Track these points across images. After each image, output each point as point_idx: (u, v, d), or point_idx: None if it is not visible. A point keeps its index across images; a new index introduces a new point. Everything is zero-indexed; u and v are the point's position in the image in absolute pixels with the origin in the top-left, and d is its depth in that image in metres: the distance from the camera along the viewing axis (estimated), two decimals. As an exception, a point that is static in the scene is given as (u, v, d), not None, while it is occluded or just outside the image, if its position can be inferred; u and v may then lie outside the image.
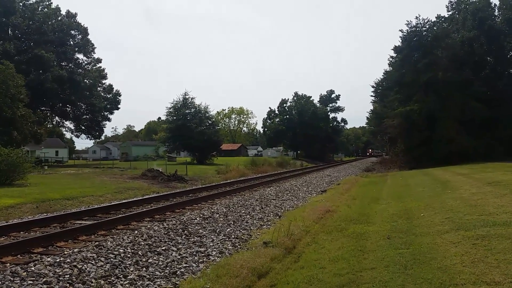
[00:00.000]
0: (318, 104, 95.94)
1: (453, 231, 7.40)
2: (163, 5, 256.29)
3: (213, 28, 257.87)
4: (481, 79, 39.74)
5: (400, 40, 42.50)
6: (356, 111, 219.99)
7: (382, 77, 60.58)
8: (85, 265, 6.34)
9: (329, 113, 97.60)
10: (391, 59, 48.59)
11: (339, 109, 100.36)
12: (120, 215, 11.00)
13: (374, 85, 63.72)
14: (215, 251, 7.95)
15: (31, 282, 5.52)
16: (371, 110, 72.96)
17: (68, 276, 5.84)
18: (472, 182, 15.81)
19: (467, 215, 8.72)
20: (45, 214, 12.10)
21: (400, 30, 42.17)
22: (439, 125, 36.62)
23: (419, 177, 23.70)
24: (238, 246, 8.39)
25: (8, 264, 6.49)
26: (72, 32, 55.24)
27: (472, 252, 5.87)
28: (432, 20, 42.81)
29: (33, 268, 6.01)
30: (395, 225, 8.90)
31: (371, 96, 68.10)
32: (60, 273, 5.90)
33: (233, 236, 9.23)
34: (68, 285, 5.59)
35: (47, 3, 53.32)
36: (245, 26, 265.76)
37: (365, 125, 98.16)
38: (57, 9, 54.26)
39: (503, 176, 16.54)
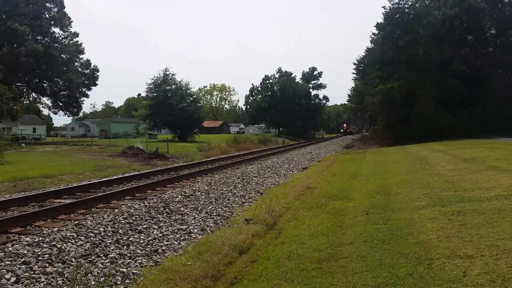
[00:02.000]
0: (300, 81, 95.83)
1: (430, 207, 7.59)
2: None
3: (195, 2, 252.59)
4: (461, 57, 40.18)
5: (383, 17, 42.43)
6: (338, 88, 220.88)
7: (364, 54, 60.71)
8: (64, 244, 6.28)
9: (310, 90, 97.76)
10: (373, 36, 48.51)
11: (321, 86, 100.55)
12: (100, 194, 10.90)
13: (356, 62, 63.88)
14: (196, 228, 7.98)
15: (9, 262, 5.44)
16: (352, 87, 73.47)
17: (48, 255, 5.78)
18: (449, 158, 16.17)
19: (444, 191, 8.94)
20: (23, 193, 11.89)
21: (383, 7, 42.09)
22: (418, 103, 37.07)
23: (397, 153, 24.11)
24: (220, 223, 8.44)
25: (-15, 244, 6.38)
26: (47, 4, 53.09)
27: (447, 227, 6.04)
28: (415, -3, 42.75)
29: (10, 248, 5.91)
30: (374, 201, 9.08)
31: (353, 73, 68.24)
32: (39, 253, 5.83)
33: (214, 214, 9.27)
34: (47, 264, 5.54)
35: (17, -27, 50.90)
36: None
37: (347, 103, 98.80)
38: (30, -20, 51.92)
39: (479, 152, 16.96)
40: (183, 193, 11.04)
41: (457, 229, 5.84)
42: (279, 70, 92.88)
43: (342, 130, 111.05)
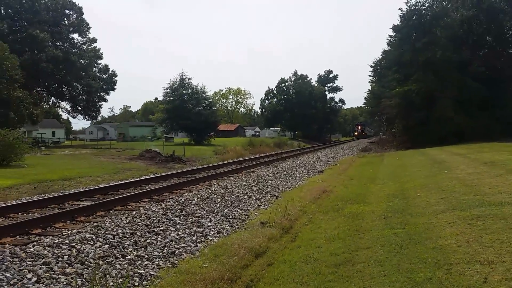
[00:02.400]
0: (316, 84, 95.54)
1: (449, 211, 7.47)
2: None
3: (210, 6, 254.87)
4: (480, 58, 39.45)
5: (399, 19, 42.07)
6: (354, 90, 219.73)
7: (380, 56, 60.21)
8: (83, 245, 6.39)
9: (326, 93, 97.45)
10: (390, 38, 48.10)
11: (337, 89, 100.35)
12: (118, 196, 11.04)
13: (373, 65, 63.40)
14: (213, 231, 8.02)
15: (30, 262, 5.57)
16: (369, 90, 72.87)
17: (67, 256, 5.89)
18: (468, 162, 15.89)
19: (463, 195, 8.79)
20: (43, 195, 12.13)
21: (399, 9, 41.71)
22: (436, 105, 36.57)
23: (415, 157, 23.80)
24: (236, 226, 8.46)
25: (7, 245, 6.53)
26: (66, 11, 54.32)
27: (467, 232, 5.94)
28: (432, -1, 42.27)
29: (32, 249, 6.04)
30: (391, 205, 8.98)
31: (369, 76, 67.69)
32: (59, 254, 5.94)
33: (230, 217, 9.30)
34: (67, 265, 5.64)
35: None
36: (243, 3, 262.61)
37: (363, 105, 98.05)
38: (50, -13, 53.14)
39: (499, 156, 16.62)
40: (199, 195, 11.11)
41: (477, 234, 5.74)
42: (295, 73, 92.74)
43: (356, 133, 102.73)
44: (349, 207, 9.36)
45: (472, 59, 38.61)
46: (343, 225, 7.68)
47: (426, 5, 40.87)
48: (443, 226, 6.55)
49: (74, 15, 55.07)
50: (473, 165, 14.57)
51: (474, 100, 36.63)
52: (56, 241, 6.45)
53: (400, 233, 6.49)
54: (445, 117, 35.43)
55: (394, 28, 43.29)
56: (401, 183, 12.65)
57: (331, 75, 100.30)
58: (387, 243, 5.99)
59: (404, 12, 41.15)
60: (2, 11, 48.57)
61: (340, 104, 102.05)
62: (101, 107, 62.49)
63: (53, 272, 5.38)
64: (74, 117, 63.13)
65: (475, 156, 18.00)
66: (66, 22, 54.61)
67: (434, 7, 41.43)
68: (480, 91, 36.03)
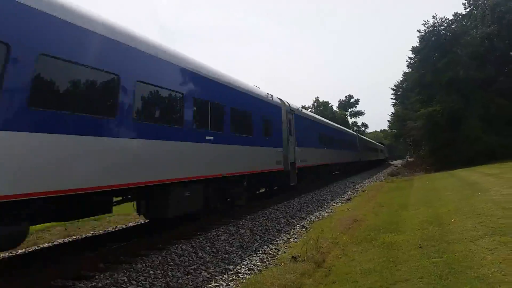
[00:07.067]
0: (337, 110, 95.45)
1: (488, 237, 7.17)
2: (177, 22, 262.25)
3: (228, 38, 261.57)
4: (505, 74, 38.71)
5: (418, 41, 42.04)
6: (377, 113, 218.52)
7: (401, 79, 60.00)
8: (117, 289, 6.38)
9: (348, 118, 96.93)
10: (409, 60, 48.07)
11: (359, 114, 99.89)
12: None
13: (394, 88, 63.15)
14: (243, 268, 7.90)
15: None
16: (392, 113, 72.25)
17: (101, 301, 5.89)
18: (503, 182, 15.31)
19: (501, 218, 8.43)
20: (74, 237, 12.27)
21: (417, 31, 41.76)
22: (463, 125, 35.80)
23: (445, 179, 23.14)
24: (267, 262, 8.31)
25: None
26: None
27: (510, 259, 5.66)
28: (450, 18, 42.21)
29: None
30: (426, 233, 8.69)
31: (392, 98, 67.26)
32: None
33: (260, 252, 9.16)
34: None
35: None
36: (261, 35, 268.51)
37: (387, 128, 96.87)
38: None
39: (535, 174, 15.99)
40: (227, 231, 11.01)
41: (522, 261, 5.46)
42: (316, 100, 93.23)
43: None
44: (382, 236, 9.09)
45: (497, 76, 37.90)
46: (377, 256, 7.44)
47: (445, 25, 40.81)
48: (483, 253, 6.28)
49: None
50: (508, 185, 14.03)
51: (502, 117, 35.70)
52: (89, 285, 6.46)
53: (439, 262, 6.24)
54: (473, 137, 34.55)
55: (414, 49, 43.25)
56: (433, 208, 12.26)
57: (352, 100, 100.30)
58: (426, 274, 5.77)
59: (422, 34, 41.15)
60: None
61: (363, 128, 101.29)
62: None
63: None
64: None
65: (509, 176, 17.35)
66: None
67: (453, 26, 41.26)
68: (508, 108, 35.14)
